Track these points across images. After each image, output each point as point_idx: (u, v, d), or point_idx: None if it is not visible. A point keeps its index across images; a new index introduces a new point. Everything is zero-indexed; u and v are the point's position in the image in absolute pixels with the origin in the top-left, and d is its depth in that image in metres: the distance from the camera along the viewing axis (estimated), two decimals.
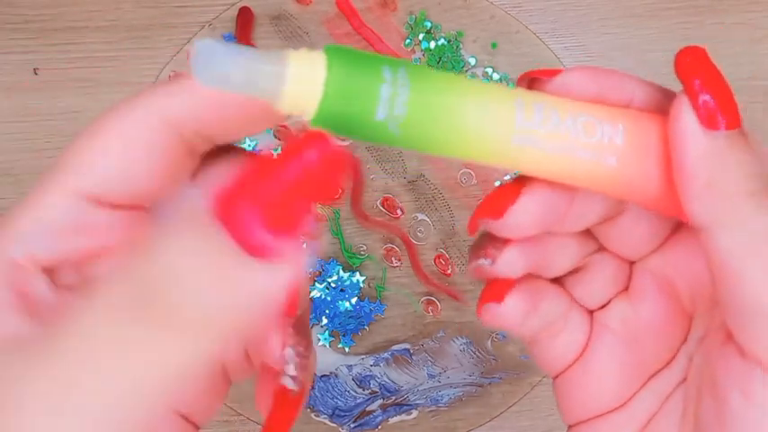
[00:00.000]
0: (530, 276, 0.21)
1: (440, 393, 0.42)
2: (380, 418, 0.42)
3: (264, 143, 0.44)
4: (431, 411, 0.42)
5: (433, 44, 0.45)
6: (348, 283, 0.43)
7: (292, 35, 0.45)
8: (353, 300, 0.43)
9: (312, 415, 0.42)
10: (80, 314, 0.16)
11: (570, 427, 0.23)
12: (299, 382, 0.21)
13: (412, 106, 0.16)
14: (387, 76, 0.16)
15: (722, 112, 0.18)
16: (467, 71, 0.45)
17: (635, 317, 0.22)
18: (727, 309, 0.18)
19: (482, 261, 0.20)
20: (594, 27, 0.46)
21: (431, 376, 0.42)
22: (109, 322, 0.15)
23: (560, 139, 0.18)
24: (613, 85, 0.19)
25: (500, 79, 0.45)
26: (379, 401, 0.42)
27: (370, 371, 0.43)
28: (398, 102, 0.16)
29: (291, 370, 0.21)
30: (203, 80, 0.15)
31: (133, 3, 0.45)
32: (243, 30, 0.45)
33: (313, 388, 0.42)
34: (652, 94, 0.19)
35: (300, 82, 0.16)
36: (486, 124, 0.17)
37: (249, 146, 0.44)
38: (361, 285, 0.43)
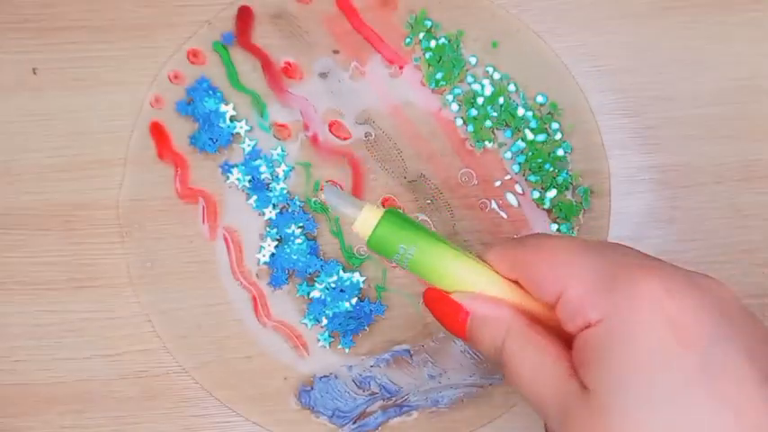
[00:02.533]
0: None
1: (440, 394, 0.42)
2: (380, 419, 0.42)
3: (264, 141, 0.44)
4: (431, 412, 0.42)
5: (433, 43, 0.45)
6: (348, 283, 0.43)
7: (292, 34, 0.45)
8: (353, 300, 0.43)
9: (312, 416, 0.42)
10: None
11: None
12: None
13: (414, 261, 0.32)
14: (401, 248, 0.31)
15: None
16: (467, 71, 0.45)
17: None
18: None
19: None
20: (596, 26, 0.45)
21: (431, 377, 0.42)
22: None
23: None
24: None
25: (500, 79, 0.44)
26: (380, 403, 0.42)
27: (370, 372, 0.43)
28: (407, 255, 0.32)
29: None
30: (330, 205, 0.33)
31: (133, 2, 0.45)
32: (242, 28, 0.45)
33: (312, 389, 0.42)
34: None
35: (364, 224, 0.32)
36: (455, 279, 0.31)
37: (249, 145, 0.44)
38: (361, 286, 0.43)
